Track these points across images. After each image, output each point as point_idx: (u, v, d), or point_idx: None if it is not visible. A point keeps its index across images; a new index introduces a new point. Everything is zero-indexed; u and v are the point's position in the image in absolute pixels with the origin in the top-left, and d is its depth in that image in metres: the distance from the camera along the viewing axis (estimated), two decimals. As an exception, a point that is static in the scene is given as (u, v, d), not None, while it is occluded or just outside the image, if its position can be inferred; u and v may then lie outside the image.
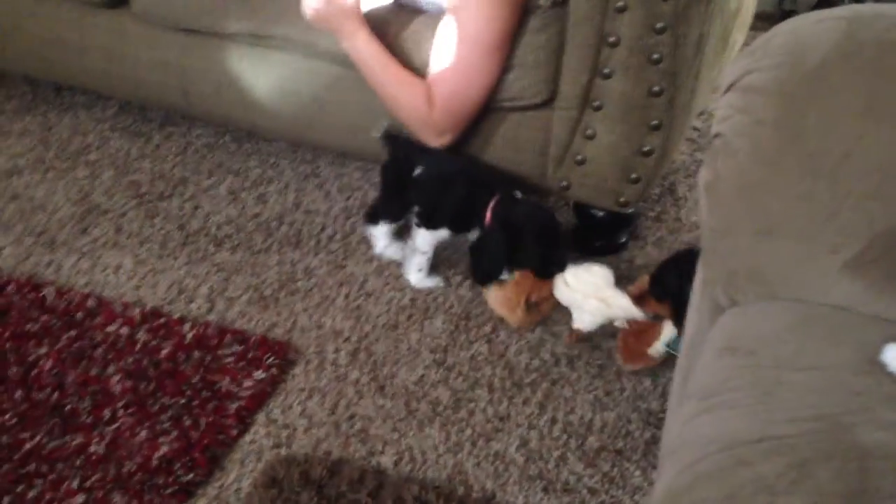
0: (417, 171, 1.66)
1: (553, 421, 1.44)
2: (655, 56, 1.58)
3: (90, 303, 1.61)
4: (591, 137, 1.70)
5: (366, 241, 1.83)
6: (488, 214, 1.61)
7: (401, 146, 1.70)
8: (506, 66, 1.65)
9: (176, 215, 1.90)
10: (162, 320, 1.58)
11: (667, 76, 1.60)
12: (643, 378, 1.53)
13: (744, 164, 0.84)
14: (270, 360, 1.51)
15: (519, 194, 1.63)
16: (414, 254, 1.70)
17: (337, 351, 1.56)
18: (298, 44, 1.80)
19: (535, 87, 1.68)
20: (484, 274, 1.61)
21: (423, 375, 1.52)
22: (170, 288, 1.69)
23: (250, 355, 1.51)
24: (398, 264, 1.77)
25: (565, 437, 1.41)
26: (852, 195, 0.78)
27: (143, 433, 1.36)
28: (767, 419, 0.65)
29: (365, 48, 1.65)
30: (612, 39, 1.58)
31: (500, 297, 1.58)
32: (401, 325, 1.63)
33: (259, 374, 1.48)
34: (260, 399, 1.44)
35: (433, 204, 1.65)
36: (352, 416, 1.44)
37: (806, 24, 0.89)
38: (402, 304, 1.68)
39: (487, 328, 1.63)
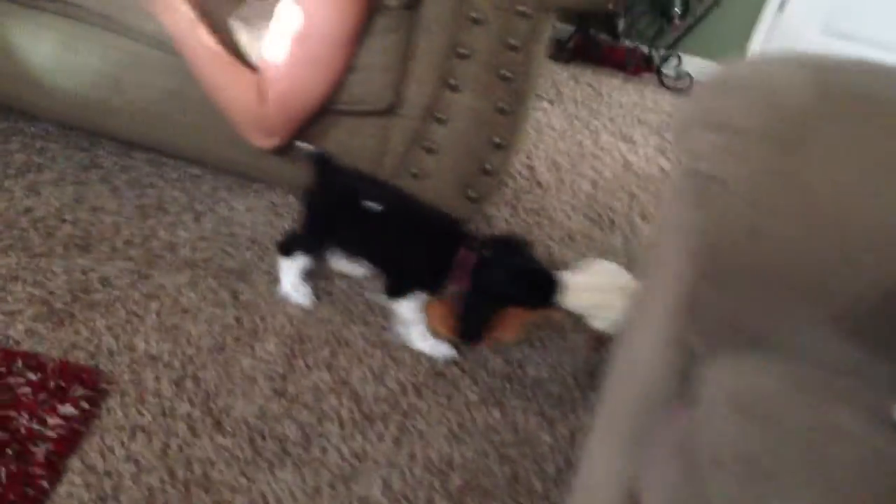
0: (373, 206, 1.45)
1: (412, 457, 1.33)
2: (506, 73, 1.54)
3: None
4: (431, 151, 1.62)
5: (172, 249, 1.60)
6: (465, 275, 1.43)
7: (338, 175, 1.50)
8: (350, 67, 1.52)
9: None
10: (-74, 340, 1.25)
11: (514, 94, 1.57)
12: (492, 409, 1.47)
13: (743, 209, 0.80)
14: (78, 391, 1.25)
15: (485, 251, 1.45)
16: (408, 325, 1.52)
17: (157, 379, 1.34)
18: (94, 13, 1.53)
19: (379, 92, 1.57)
20: (474, 335, 1.46)
21: (262, 408, 1.34)
22: (-71, 298, 1.35)
23: (51, 385, 1.25)
24: (213, 272, 1.56)
25: (427, 476, 1.31)
26: (855, 252, 0.77)
27: (-75, 491, 1.05)
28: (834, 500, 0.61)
29: (187, 29, 1.44)
30: (463, 51, 1.52)
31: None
32: (228, 347, 1.43)
33: (67, 410, 1.22)
34: (71, 441, 1.18)
35: (399, 270, 1.49)
36: (187, 459, 1.23)
37: (770, 68, 0.88)
38: (225, 322, 1.49)
39: (325, 352, 1.48)
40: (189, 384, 1.34)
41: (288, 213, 1.77)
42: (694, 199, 0.83)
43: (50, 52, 1.60)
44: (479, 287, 1.39)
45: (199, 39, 1.48)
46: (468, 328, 1.42)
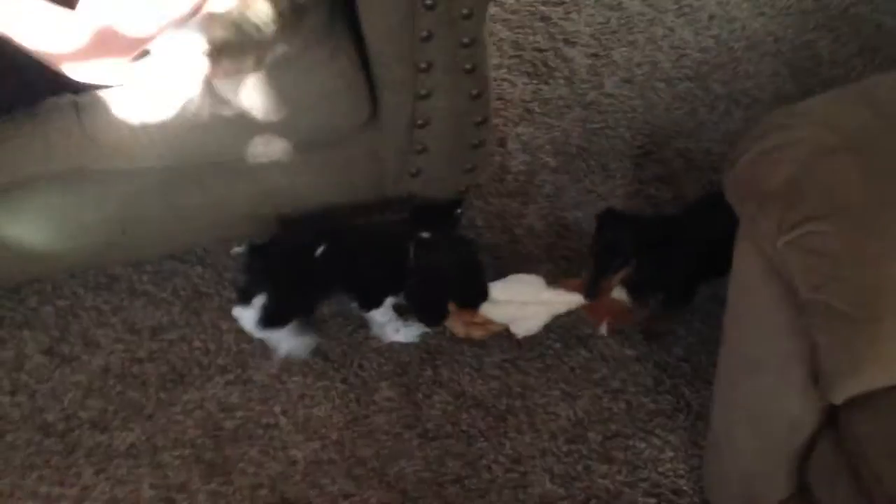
0: (320, 250, 1.59)
1: (552, 436, 1.63)
2: (468, 66, 1.62)
3: None
4: (422, 151, 1.73)
5: (244, 337, 1.75)
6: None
7: (281, 241, 1.63)
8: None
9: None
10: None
11: (481, 79, 1.65)
12: (578, 349, 1.74)
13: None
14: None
15: (426, 234, 1.64)
16: (383, 326, 1.70)
17: (333, 479, 1.59)
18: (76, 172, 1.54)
19: (355, 107, 1.63)
20: (432, 319, 1.66)
21: (424, 458, 1.60)
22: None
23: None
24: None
25: (573, 446, 1.62)
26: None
27: None
28: None
29: None
30: (423, 66, 1.58)
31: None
32: (359, 414, 1.66)
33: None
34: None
35: (365, 285, 1.65)
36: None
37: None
38: (338, 390, 1.69)
39: (428, 371, 1.71)
40: (358, 470, 1.59)
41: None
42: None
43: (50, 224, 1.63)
44: (420, 267, 1.61)
45: None
46: (426, 310, 1.65)
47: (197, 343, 1.75)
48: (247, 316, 1.59)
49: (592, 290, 1.56)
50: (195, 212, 1.66)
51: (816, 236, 1.03)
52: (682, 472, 1.57)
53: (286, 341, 1.70)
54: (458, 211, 1.96)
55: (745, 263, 1.18)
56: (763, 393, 1.21)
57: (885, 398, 1.06)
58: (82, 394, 1.68)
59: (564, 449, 1.61)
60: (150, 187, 1.60)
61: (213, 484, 1.58)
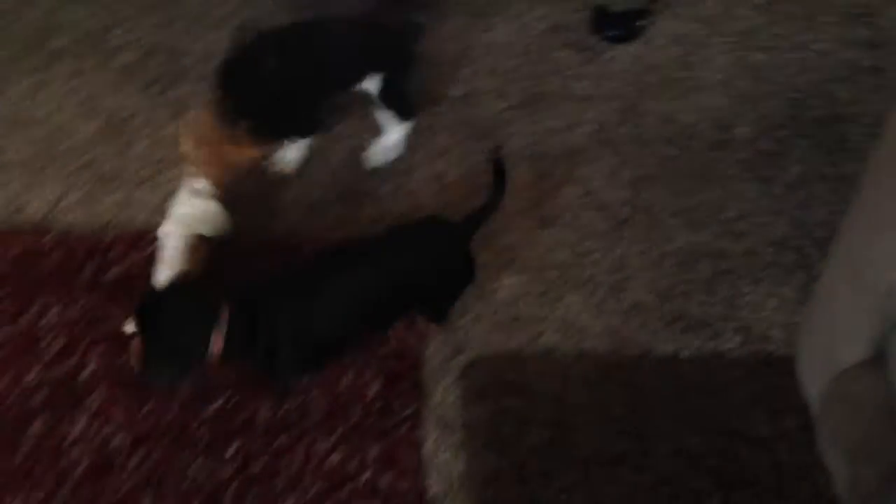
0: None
1: (663, 255, 1.65)
2: None
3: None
4: None
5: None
6: None
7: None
8: None
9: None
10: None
11: None
12: (713, 186, 1.72)
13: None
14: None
15: None
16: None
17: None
18: None
19: None
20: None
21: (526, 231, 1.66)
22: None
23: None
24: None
25: (680, 269, 1.63)
26: None
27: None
28: None
29: None
30: None
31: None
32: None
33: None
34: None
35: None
36: (499, 304, 1.59)
37: None
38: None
39: (562, 167, 1.73)
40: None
41: None
42: None
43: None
44: None
45: None
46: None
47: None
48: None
49: None
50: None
51: None
52: (778, 322, 1.57)
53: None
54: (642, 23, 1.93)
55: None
56: (876, 251, 1.18)
57: None
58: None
59: (672, 270, 1.63)
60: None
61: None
